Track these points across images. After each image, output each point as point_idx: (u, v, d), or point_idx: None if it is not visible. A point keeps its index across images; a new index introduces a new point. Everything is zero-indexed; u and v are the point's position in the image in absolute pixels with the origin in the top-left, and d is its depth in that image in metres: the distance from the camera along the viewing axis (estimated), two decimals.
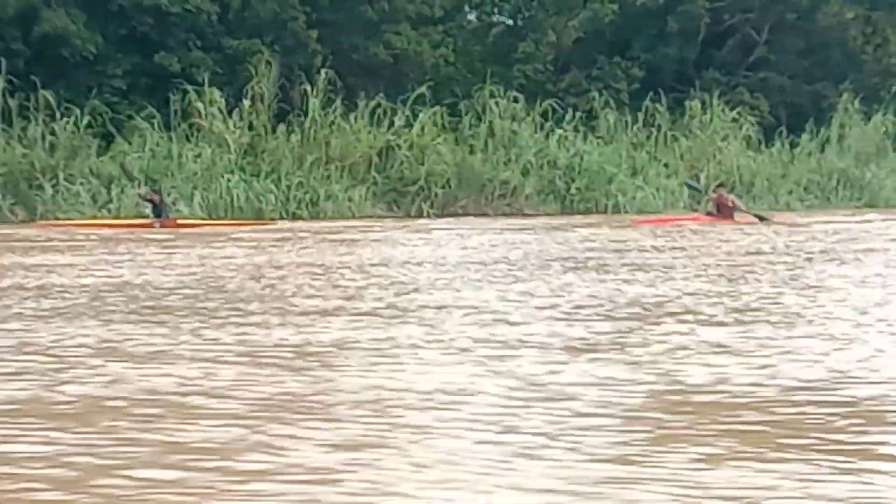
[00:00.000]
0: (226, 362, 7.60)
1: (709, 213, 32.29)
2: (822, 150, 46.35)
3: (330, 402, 6.26)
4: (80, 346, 8.52)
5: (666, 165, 43.02)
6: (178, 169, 38.21)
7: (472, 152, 41.50)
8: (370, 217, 38.21)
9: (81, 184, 36.84)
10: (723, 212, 31.65)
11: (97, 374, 7.25)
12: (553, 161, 41.93)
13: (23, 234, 28.06)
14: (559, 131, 42.51)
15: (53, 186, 36.63)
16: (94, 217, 33.56)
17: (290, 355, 7.96)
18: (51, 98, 37.75)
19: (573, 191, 41.38)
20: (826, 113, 48.32)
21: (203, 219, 34.39)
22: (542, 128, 42.75)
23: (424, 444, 5.29)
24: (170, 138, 39.60)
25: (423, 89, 41.90)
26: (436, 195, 40.22)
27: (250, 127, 40.38)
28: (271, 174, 39.07)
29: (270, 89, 40.66)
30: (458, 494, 4.51)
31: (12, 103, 37.72)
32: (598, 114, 44.83)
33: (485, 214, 40.07)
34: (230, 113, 40.35)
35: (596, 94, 45.41)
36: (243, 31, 46.01)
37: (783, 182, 43.34)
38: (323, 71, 41.52)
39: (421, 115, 41.57)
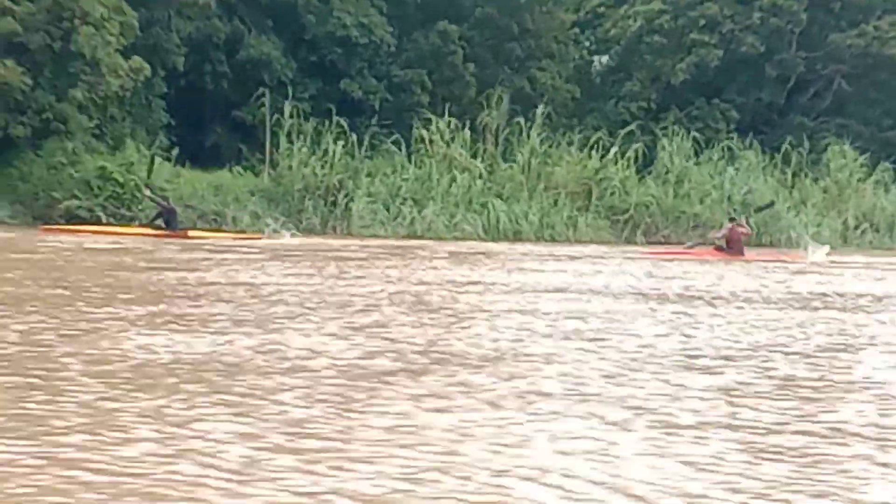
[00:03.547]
0: None
1: (718, 248, 34.15)
2: None
3: None
4: None
5: (813, 205, 51.58)
6: (437, 194, 44.64)
7: (663, 184, 49.23)
8: (591, 242, 45.27)
9: (368, 201, 43.00)
10: (734, 247, 33.55)
11: None
12: (729, 196, 49.97)
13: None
14: (730, 170, 50.61)
15: (348, 203, 42.77)
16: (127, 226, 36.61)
17: None
18: (344, 124, 43.66)
19: (752, 224, 49.44)
20: None
21: (216, 230, 38.19)
22: (716, 166, 50.79)
23: None
24: (410, 162, 46.01)
25: (632, 126, 49.69)
26: (644, 224, 47.80)
27: (474, 155, 47.09)
28: (508, 200, 45.92)
29: (501, 122, 47.44)
30: None
31: (307, 127, 43.38)
32: (736, 153, 52.87)
33: (681, 243, 47.74)
34: (452, 140, 46.86)
35: (735, 134, 53.66)
36: (406, 63, 52.45)
37: None
38: (540, 106, 48.62)
39: (613, 150, 49.01)
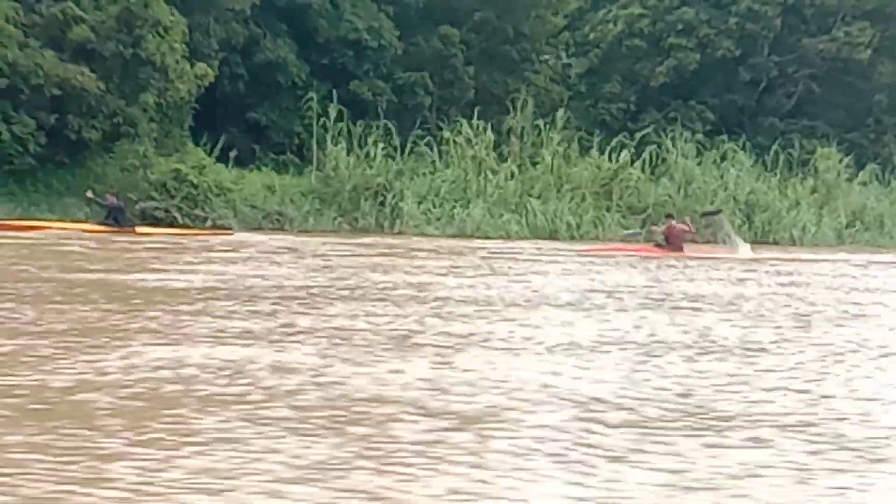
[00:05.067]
0: None
1: (657, 245, 35.54)
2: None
3: None
4: None
5: (808, 205, 54.84)
6: (478, 195, 47.01)
7: (673, 184, 52.14)
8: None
9: (417, 202, 45.25)
10: (672, 243, 35.01)
11: None
12: (733, 196, 53.00)
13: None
14: (733, 170, 53.71)
15: (397, 203, 44.95)
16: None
17: None
18: (392, 126, 45.76)
19: (757, 223, 52.64)
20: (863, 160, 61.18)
21: (170, 226, 39.24)
22: (718, 167, 53.84)
23: None
24: (442, 164, 48.29)
25: (648, 130, 52.44)
26: (662, 221, 50.52)
27: (500, 157, 49.58)
28: (538, 199, 48.40)
29: (527, 125, 49.95)
30: None
31: (355, 130, 45.42)
32: (727, 154, 55.99)
33: (694, 241, 50.69)
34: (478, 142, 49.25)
35: (725, 137, 56.74)
36: (409, 65, 54.54)
37: None
38: (560, 110, 51.26)
39: (625, 153, 51.74)
